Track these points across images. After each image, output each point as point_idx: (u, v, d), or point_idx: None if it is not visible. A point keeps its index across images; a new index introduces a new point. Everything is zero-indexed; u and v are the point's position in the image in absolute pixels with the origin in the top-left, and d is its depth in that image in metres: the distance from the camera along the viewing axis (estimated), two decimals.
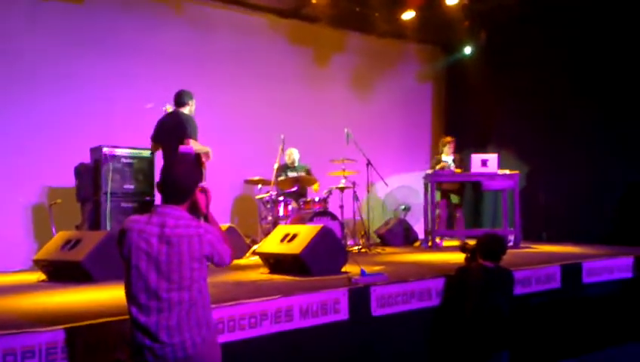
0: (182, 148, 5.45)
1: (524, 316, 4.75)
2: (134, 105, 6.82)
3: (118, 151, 6.16)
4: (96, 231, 5.75)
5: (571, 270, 5.34)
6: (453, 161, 7.95)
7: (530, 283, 5.00)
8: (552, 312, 5.10)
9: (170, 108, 5.87)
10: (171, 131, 5.69)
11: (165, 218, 2.49)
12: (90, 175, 6.12)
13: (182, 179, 2.59)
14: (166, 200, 2.57)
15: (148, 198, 6.32)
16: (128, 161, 6.23)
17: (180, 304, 2.41)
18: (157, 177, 6.25)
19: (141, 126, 6.10)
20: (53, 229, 5.84)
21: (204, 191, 2.65)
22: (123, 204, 6.13)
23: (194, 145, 5.53)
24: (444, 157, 8.00)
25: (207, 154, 5.56)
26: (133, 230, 2.47)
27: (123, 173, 6.17)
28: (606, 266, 5.67)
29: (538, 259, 5.67)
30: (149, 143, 6.13)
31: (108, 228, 5.86)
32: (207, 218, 2.67)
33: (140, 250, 2.43)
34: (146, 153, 6.32)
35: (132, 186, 6.23)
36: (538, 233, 8.15)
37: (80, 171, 6.18)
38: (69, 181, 6.33)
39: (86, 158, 6.28)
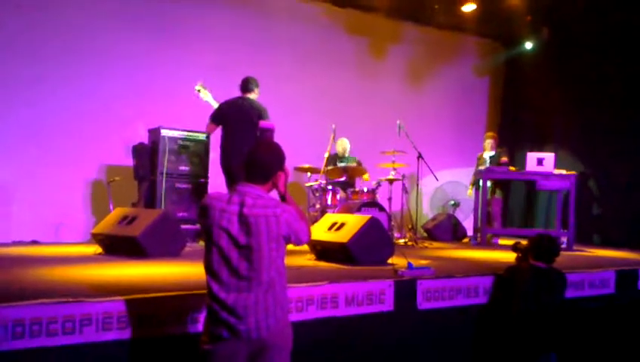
0: (262, 123, 5.52)
1: (575, 320, 4.63)
2: (193, 89, 6.98)
3: (175, 133, 6.34)
4: (152, 208, 5.95)
5: (626, 276, 5.16)
6: (492, 157, 7.80)
7: (583, 286, 4.86)
8: (605, 318, 4.95)
9: (199, 87, 5.99)
10: (244, 116, 5.74)
11: (244, 197, 2.50)
12: (147, 155, 6.33)
13: (267, 158, 2.59)
14: (248, 178, 2.57)
15: (202, 180, 6.48)
16: (184, 143, 6.40)
17: (259, 284, 2.45)
18: (212, 160, 6.49)
19: (198, 109, 6.24)
20: (111, 205, 6.07)
21: (284, 170, 2.63)
22: (177, 185, 6.32)
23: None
24: (485, 153, 7.88)
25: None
26: (216, 208, 2.48)
27: (179, 155, 6.35)
28: None
29: (592, 263, 5.51)
30: (205, 127, 6.24)
31: (162, 206, 6.06)
32: (284, 197, 2.66)
33: (221, 229, 2.45)
34: (202, 136, 6.47)
35: (187, 168, 6.40)
36: (591, 236, 7.90)
37: (138, 151, 6.39)
38: (128, 160, 6.55)
39: (145, 139, 6.48)
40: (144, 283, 3.43)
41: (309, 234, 2.66)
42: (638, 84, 7.88)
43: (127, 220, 4.99)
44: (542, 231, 5.73)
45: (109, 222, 5.17)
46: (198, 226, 6.18)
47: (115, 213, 5.33)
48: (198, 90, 6.01)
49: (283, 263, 2.56)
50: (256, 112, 5.73)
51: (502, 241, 7.59)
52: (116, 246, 4.90)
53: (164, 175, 6.19)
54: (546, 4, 8.43)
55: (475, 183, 7.62)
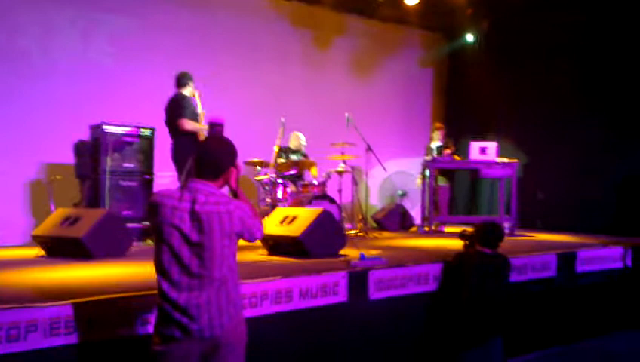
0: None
1: (520, 303, 4.81)
2: (135, 83, 6.79)
3: (119, 130, 6.15)
4: (95, 208, 5.76)
5: (566, 258, 5.40)
6: (438, 148, 7.99)
7: (526, 270, 5.06)
8: (547, 300, 5.17)
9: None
10: (169, 112, 5.87)
11: (196, 194, 2.45)
12: (89, 152, 6.11)
13: (218, 154, 2.55)
14: (200, 174, 2.52)
15: (148, 177, 6.32)
16: (129, 139, 6.23)
17: (212, 282, 2.41)
18: (157, 156, 6.35)
19: (141, 105, 6.09)
20: (52, 206, 5.85)
21: (236, 166, 2.60)
22: (122, 183, 6.14)
23: (187, 125, 5.62)
24: (432, 143, 8.06)
25: (202, 133, 5.67)
26: (166, 206, 2.42)
27: (123, 152, 6.17)
28: (600, 256, 5.74)
29: (534, 247, 5.72)
30: (148, 122, 6.20)
31: (106, 206, 5.88)
32: (236, 193, 2.62)
33: (172, 227, 2.40)
34: (147, 132, 6.32)
35: (132, 165, 6.22)
36: (533, 221, 8.22)
37: (79, 148, 6.17)
38: (69, 158, 6.32)
39: (86, 135, 6.26)
40: (91, 286, 3.35)
41: (261, 230, 2.65)
42: (575, 76, 8.21)
43: (69, 221, 4.83)
44: (486, 218, 5.92)
45: (50, 224, 5.00)
46: (144, 225, 6.05)
47: (57, 213, 5.16)
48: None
49: (235, 260, 2.54)
50: (171, 109, 5.75)
51: (448, 229, 7.79)
52: (59, 249, 4.75)
53: (108, 173, 6.00)
54: None
55: (423, 173, 7.78)
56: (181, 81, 5.95)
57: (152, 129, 6.37)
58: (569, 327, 5.29)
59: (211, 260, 2.41)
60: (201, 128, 5.81)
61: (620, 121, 7.71)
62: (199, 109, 5.96)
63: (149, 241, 5.97)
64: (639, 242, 6.13)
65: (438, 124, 8.35)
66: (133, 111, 6.44)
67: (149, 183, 6.32)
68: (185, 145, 5.64)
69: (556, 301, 5.25)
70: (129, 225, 5.40)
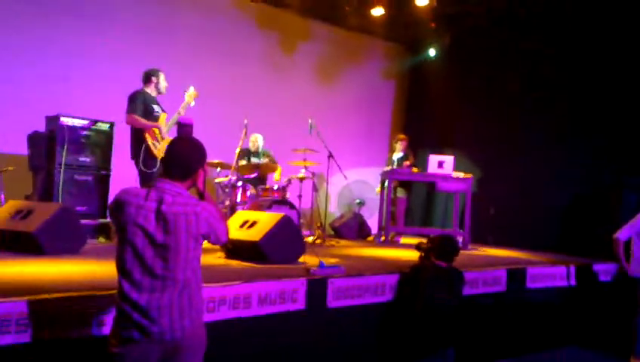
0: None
1: (471, 316, 4.93)
2: (94, 77, 6.63)
3: (76, 122, 5.99)
4: (48, 202, 5.58)
5: (516, 274, 5.57)
6: (399, 159, 8.11)
7: (477, 284, 5.19)
8: (497, 314, 5.32)
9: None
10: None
11: (163, 194, 2.42)
12: (44, 144, 5.93)
13: (188, 154, 2.52)
14: (168, 174, 2.49)
15: (104, 172, 6.18)
16: (86, 132, 6.07)
17: (175, 284, 2.38)
18: (115, 151, 6.20)
19: (100, 98, 5.95)
20: (2, 197, 5.63)
21: (203, 168, 2.57)
22: (77, 177, 5.98)
23: (131, 121, 5.46)
24: (394, 154, 8.18)
25: (152, 131, 5.46)
26: (132, 204, 2.38)
27: (79, 145, 6.01)
28: (547, 273, 5.95)
29: (485, 262, 5.88)
30: (106, 116, 6.07)
31: (60, 200, 5.71)
32: (203, 195, 2.59)
33: (137, 226, 2.36)
34: (105, 126, 6.19)
35: (88, 159, 6.07)
36: (485, 236, 8.44)
37: (34, 139, 5.98)
38: (22, 149, 6.10)
39: (41, 127, 6.06)
40: (44, 283, 3.24)
41: (227, 233, 2.64)
42: (529, 95, 8.50)
43: (21, 214, 4.67)
44: (441, 231, 6.05)
45: (0, 216, 4.80)
46: (98, 221, 5.91)
47: (7, 206, 4.99)
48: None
49: (199, 263, 2.51)
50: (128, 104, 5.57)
51: (404, 240, 7.91)
52: (9, 243, 4.57)
53: (63, 166, 5.83)
54: (448, 13, 8.85)
55: (382, 183, 7.88)
56: (143, 77, 5.75)
57: (111, 123, 6.23)
58: (518, 341, 5.46)
59: (176, 262, 2.38)
60: (148, 125, 5.45)
61: (572, 141, 7.99)
62: (159, 110, 5.64)
63: (102, 239, 5.83)
64: (582, 261, 6.37)
65: (401, 136, 8.44)
66: (92, 105, 6.29)
67: (105, 178, 6.18)
68: (135, 141, 5.47)
69: (507, 315, 5.41)
70: (83, 221, 5.25)
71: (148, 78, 5.72)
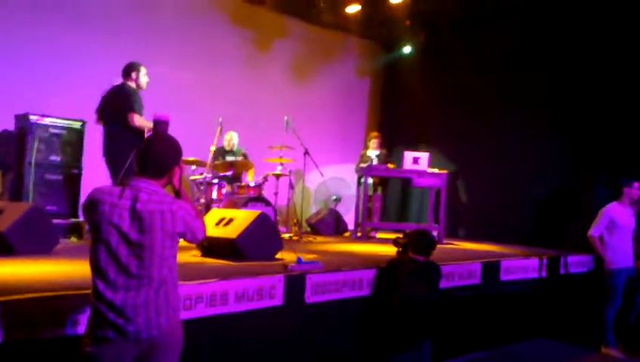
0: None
1: (447, 309, 4.98)
2: (65, 75, 6.51)
3: (46, 121, 5.87)
4: (18, 202, 5.47)
5: (490, 267, 5.65)
6: (378, 156, 8.17)
7: (453, 277, 5.24)
8: (472, 306, 5.38)
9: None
10: (114, 102, 5.45)
11: (139, 192, 2.39)
12: (14, 143, 5.80)
13: (164, 152, 2.50)
14: (143, 172, 2.46)
15: (75, 171, 6.07)
16: (56, 131, 5.96)
17: (150, 282, 2.36)
18: (86, 150, 6.09)
19: (72, 96, 5.84)
20: None
21: (179, 166, 2.55)
22: (48, 176, 5.86)
23: (138, 121, 5.34)
24: (369, 152, 8.23)
25: (150, 130, 5.39)
26: (106, 203, 2.35)
27: (50, 144, 5.89)
28: (521, 266, 6.04)
29: (461, 256, 5.94)
30: (77, 114, 5.91)
31: (30, 199, 5.59)
32: (179, 193, 2.57)
33: (111, 225, 2.33)
34: (77, 124, 6.08)
35: (58, 158, 5.96)
36: (458, 230, 8.54)
37: (3, 138, 5.85)
38: None
39: (10, 125, 5.93)
40: (15, 283, 3.16)
41: (204, 231, 2.61)
42: (503, 91, 8.61)
43: None
44: (417, 226, 6.10)
45: None
46: (70, 221, 5.80)
47: None
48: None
49: (175, 261, 2.49)
50: (118, 99, 5.39)
51: (379, 235, 7.95)
52: None
53: (33, 165, 5.71)
54: (423, 10, 8.91)
55: (359, 180, 7.90)
56: (125, 70, 5.54)
57: (83, 122, 6.12)
58: (493, 333, 5.53)
59: (151, 260, 2.36)
60: (149, 127, 5.33)
61: (547, 136, 8.10)
62: None
63: (74, 238, 5.72)
64: (556, 254, 6.49)
65: (374, 133, 8.52)
66: (63, 103, 6.17)
67: (76, 178, 6.06)
68: (128, 141, 5.25)
69: (482, 308, 5.48)
70: (54, 220, 5.14)
71: (127, 72, 5.55)
